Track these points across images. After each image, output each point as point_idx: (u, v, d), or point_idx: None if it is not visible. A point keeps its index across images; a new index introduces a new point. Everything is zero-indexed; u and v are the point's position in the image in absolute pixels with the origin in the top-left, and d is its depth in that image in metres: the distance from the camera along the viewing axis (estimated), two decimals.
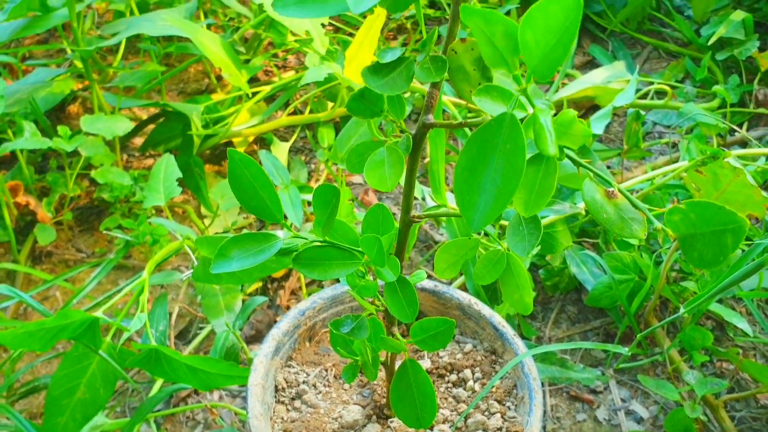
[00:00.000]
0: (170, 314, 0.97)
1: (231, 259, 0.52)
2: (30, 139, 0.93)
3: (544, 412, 0.89)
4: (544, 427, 0.87)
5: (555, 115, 0.46)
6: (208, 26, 1.21)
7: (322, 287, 1.02)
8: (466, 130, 1.10)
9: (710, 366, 0.92)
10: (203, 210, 1.13)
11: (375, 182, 0.47)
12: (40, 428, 0.81)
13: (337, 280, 0.93)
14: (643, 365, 0.90)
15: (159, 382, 0.90)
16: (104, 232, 1.09)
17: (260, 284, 1.02)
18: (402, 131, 0.50)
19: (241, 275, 0.84)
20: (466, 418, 0.70)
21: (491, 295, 0.89)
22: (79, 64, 1.23)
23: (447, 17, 1.39)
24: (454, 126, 0.49)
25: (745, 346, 0.94)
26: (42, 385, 0.92)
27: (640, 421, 0.87)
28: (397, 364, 0.64)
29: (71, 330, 0.73)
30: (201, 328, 0.98)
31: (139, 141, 1.24)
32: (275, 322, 0.99)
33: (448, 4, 1.31)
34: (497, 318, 0.76)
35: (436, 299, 0.77)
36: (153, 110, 1.27)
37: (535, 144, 0.43)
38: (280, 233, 0.54)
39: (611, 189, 0.48)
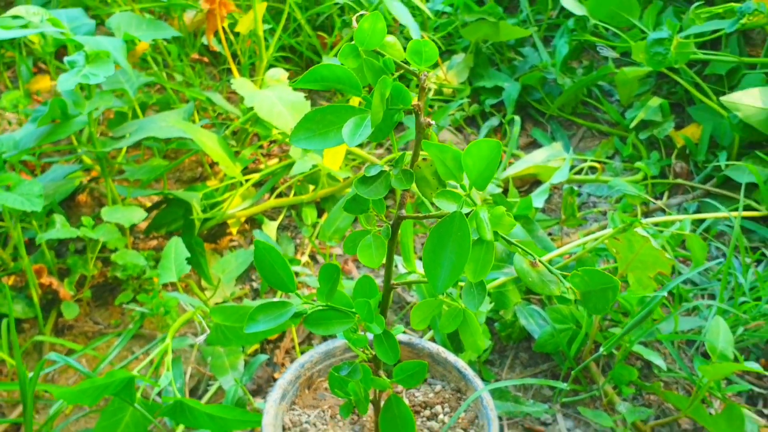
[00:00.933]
0: (184, 374, 1.13)
1: (258, 322, 0.70)
2: (61, 229, 1.11)
3: (501, 426, 1.06)
4: None
5: (504, 191, 0.65)
6: (204, 125, 1.40)
7: (312, 346, 1.19)
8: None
9: (640, 398, 1.10)
10: (203, 283, 1.30)
11: (366, 260, 0.66)
12: None
13: (329, 337, 1.10)
14: (584, 399, 1.08)
15: None
16: (120, 306, 1.25)
17: (258, 345, 1.19)
18: (382, 222, 0.69)
19: (248, 337, 1.02)
20: None
21: (455, 345, 1.07)
22: (87, 159, 1.41)
23: None
24: (420, 218, 0.68)
25: (669, 380, 1.13)
26: None
27: None
28: (382, 402, 0.81)
29: (114, 387, 0.89)
30: (210, 385, 1.14)
31: (143, 225, 1.41)
32: (273, 377, 1.16)
33: None
34: (461, 363, 0.94)
35: (411, 349, 0.95)
36: (154, 199, 1.44)
37: (477, 232, 0.62)
38: (293, 301, 0.72)
39: (534, 260, 0.67)
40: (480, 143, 0.57)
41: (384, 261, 0.68)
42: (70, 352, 1.20)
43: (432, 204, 0.65)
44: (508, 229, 0.63)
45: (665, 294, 0.94)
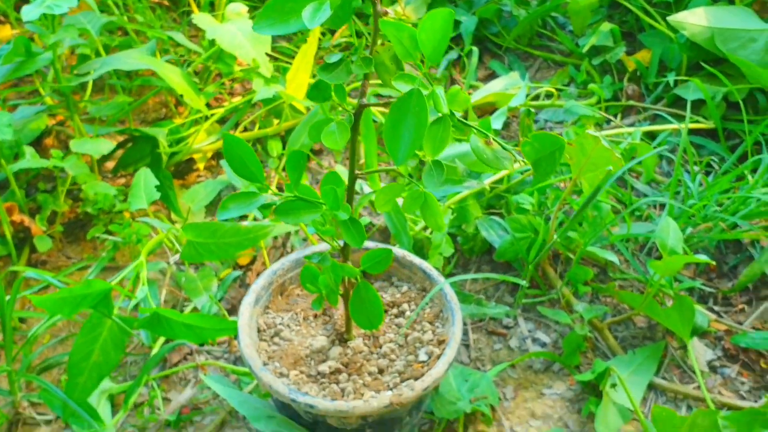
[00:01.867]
0: (159, 296, 1.16)
1: (230, 210, 0.73)
2: (31, 160, 1.13)
3: (465, 330, 1.11)
4: (469, 356, 1.09)
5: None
6: (167, 62, 1.42)
7: None
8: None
9: (596, 301, 1.16)
10: (173, 216, 1.33)
11: (330, 144, 0.70)
12: (64, 389, 0.99)
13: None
14: (543, 302, 1.14)
15: (155, 352, 1.10)
16: (93, 241, 1.28)
17: (230, 270, 1.22)
18: (345, 111, 0.73)
19: (220, 252, 1.05)
20: (406, 336, 0.92)
21: (419, 253, 1.11)
22: (50, 101, 1.43)
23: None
24: (381, 104, 0.72)
25: (623, 284, 1.18)
26: (55, 362, 1.10)
27: (544, 345, 1.11)
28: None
29: (92, 297, 0.92)
30: (185, 306, 1.17)
31: (110, 165, 1.43)
32: None
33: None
34: (425, 264, 0.99)
35: None
36: (120, 138, 1.46)
37: (434, 107, 0.66)
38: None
39: (488, 139, 0.71)
40: (433, 14, 0.61)
41: (347, 144, 0.72)
42: (44, 288, 1.23)
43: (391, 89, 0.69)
44: (463, 106, 0.67)
45: (613, 181, 0.99)
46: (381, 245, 0.98)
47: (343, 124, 0.71)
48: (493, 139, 0.71)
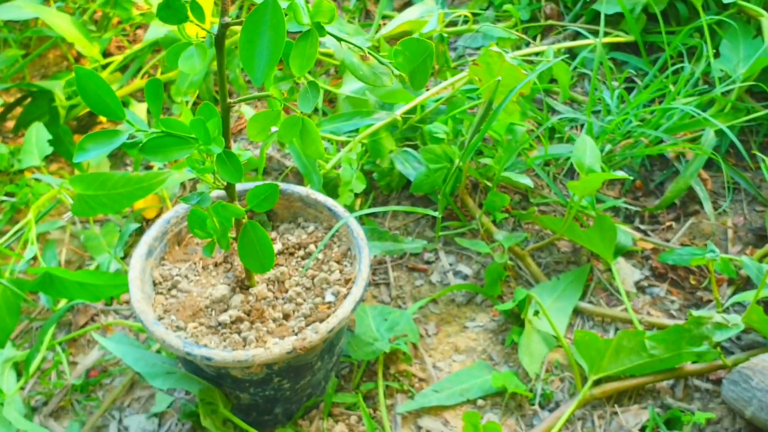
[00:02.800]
0: (58, 255, 1.09)
1: (88, 150, 0.67)
2: None
3: (385, 269, 1.07)
4: (390, 295, 1.05)
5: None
6: (59, 9, 1.33)
7: None
8: None
9: (519, 229, 1.12)
10: (76, 173, 1.26)
11: (187, 68, 0.63)
12: None
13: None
14: (464, 234, 1.09)
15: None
16: None
17: (139, 226, 1.16)
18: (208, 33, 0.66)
19: (112, 204, 0.98)
20: (312, 278, 0.87)
21: (331, 193, 1.06)
22: None
23: None
24: (240, 22, 0.65)
25: (546, 209, 1.14)
26: None
27: (465, 277, 1.06)
28: None
29: None
30: (89, 266, 1.11)
31: (10, 124, 1.35)
32: None
33: None
34: (330, 201, 0.93)
35: (281, 195, 0.93)
36: (18, 95, 1.37)
37: (295, 19, 0.60)
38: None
39: (364, 54, 0.65)
40: None
41: (204, 67, 0.66)
42: None
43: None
44: (328, 16, 0.61)
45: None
46: (283, 186, 0.93)
47: (203, 47, 0.65)
48: (370, 53, 0.65)
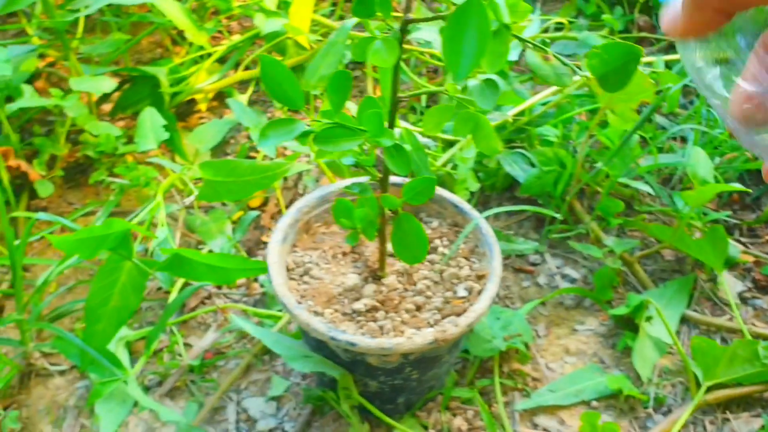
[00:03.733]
0: (175, 240, 1.11)
1: (269, 138, 0.69)
2: (30, 98, 1.06)
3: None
4: (498, 295, 1.06)
5: None
6: None
7: None
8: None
9: (623, 236, 1.13)
10: (177, 159, 1.28)
11: (378, 61, 0.65)
12: (81, 336, 0.95)
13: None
14: (571, 238, 1.11)
15: (174, 296, 1.05)
16: (95, 186, 1.22)
17: (242, 213, 1.18)
18: (389, 28, 0.68)
19: (238, 191, 1.00)
20: (441, 273, 0.89)
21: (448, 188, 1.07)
22: (37, 40, 1.35)
23: None
24: (429, 19, 0.67)
25: (650, 217, 1.16)
26: (66, 311, 1.05)
27: (573, 281, 1.08)
28: (387, 231, 0.82)
29: (112, 238, 0.87)
30: (200, 250, 1.13)
31: (107, 108, 1.37)
32: (261, 240, 1.15)
33: None
34: (457, 198, 0.95)
35: None
36: (116, 79, 1.39)
37: (495, 17, 0.61)
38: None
39: (546, 55, 0.67)
40: None
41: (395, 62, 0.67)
42: (49, 229, 1.17)
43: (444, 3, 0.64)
44: (525, 16, 0.63)
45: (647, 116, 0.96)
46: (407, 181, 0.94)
47: (391, 41, 0.66)
48: (553, 55, 0.67)
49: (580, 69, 0.67)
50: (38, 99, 1.08)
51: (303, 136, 0.71)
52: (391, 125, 0.74)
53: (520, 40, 0.66)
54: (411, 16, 0.68)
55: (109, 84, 1.16)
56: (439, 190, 0.95)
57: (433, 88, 0.71)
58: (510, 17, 0.63)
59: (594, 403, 0.95)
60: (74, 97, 1.12)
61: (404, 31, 0.68)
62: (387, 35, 0.67)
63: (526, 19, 0.63)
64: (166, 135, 1.11)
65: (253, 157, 1.27)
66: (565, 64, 0.65)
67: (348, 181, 0.97)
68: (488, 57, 0.63)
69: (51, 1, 1.17)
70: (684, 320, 1.04)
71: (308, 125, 0.71)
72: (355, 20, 0.97)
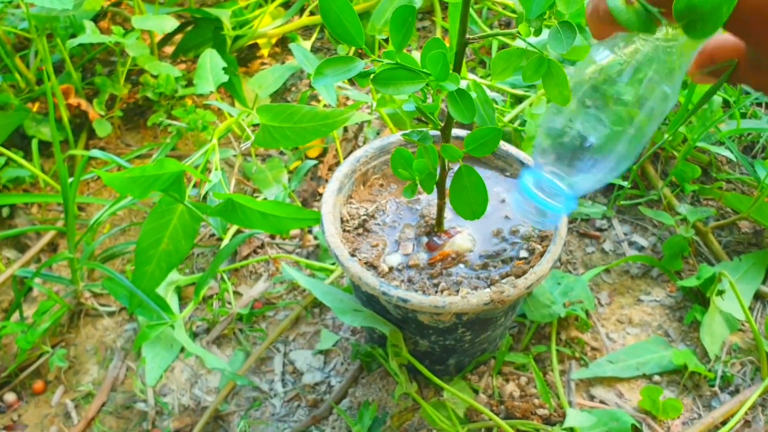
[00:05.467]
0: (230, 186, 1.09)
1: (326, 75, 0.65)
2: (92, 35, 1.05)
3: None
4: (559, 259, 1.02)
5: None
6: None
7: None
8: None
9: (696, 204, 1.07)
10: (237, 105, 1.25)
11: None
12: (131, 277, 0.94)
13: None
14: (641, 204, 1.05)
15: (225, 243, 1.03)
16: (153, 128, 1.21)
17: (299, 162, 1.15)
18: None
19: (296, 138, 0.97)
20: (501, 232, 0.84)
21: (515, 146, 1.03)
22: None
23: None
24: None
25: (727, 186, 1.09)
26: (118, 252, 1.04)
27: (641, 249, 1.02)
28: (447, 182, 0.78)
29: (164, 179, 0.85)
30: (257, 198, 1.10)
31: (168, 50, 1.35)
32: (317, 191, 1.12)
33: None
34: (523, 155, 0.90)
35: None
36: (178, 21, 1.37)
37: None
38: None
39: None
40: None
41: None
42: (104, 166, 1.17)
43: None
44: None
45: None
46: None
47: None
48: None
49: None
50: (99, 36, 1.06)
51: (362, 77, 0.67)
52: (458, 69, 0.69)
53: None
54: None
55: (171, 23, 1.13)
56: (505, 145, 0.91)
57: (506, 32, 0.66)
58: None
59: (656, 378, 0.90)
60: (135, 35, 1.10)
61: None
62: None
63: None
64: (225, 78, 1.08)
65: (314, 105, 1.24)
66: (648, 9, 0.60)
67: (408, 134, 0.92)
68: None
69: None
70: (758, 296, 0.97)
71: (368, 65, 0.67)
72: None
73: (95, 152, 0.91)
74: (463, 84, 0.67)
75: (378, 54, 1.14)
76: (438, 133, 0.75)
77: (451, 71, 0.67)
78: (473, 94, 0.68)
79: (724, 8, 0.54)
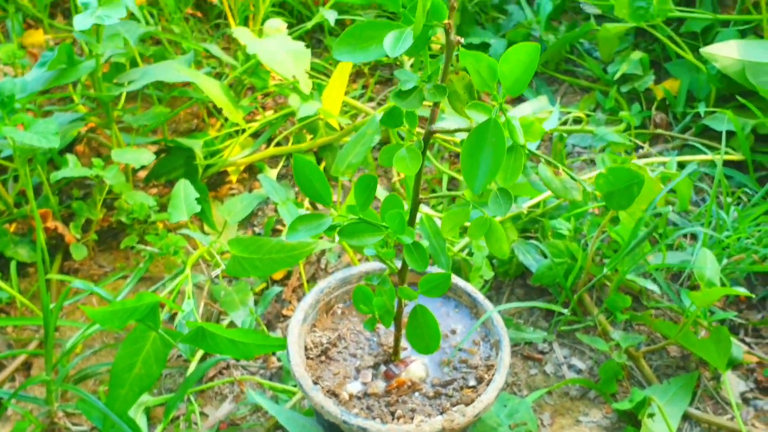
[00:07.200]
0: (197, 309, 1.16)
1: (299, 232, 0.74)
2: (74, 168, 1.13)
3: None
4: (506, 381, 1.10)
5: None
6: (207, 74, 1.43)
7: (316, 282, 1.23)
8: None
9: (630, 329, 1.17)
10: (206, 228, 1.33)
11: (403, 169, 0.70)
12: (105, 400, 0.99)
13: (333, 273, 1.14)
14: (579, 329, 1.15)
15: (193, 366, 1.10)
16: (125, 250, 1.28)
17: (264, 285, 1.23)
18: (414, 136, 0.74)
19: (264, 268, 1.06)
20: (452, 362, 0.93)
21: (458, 274, 1.12)
22: (83, 109, 1.43)
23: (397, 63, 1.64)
24: (451, 131, 0.73)
25: (657, 313, 1.19)
26: (91, 373, 1.10)
27: (579, 372, 1.11)
28: (404, 319, 0.86)
29: (142, 310, 0.92)
30: (221, 321, 1.18)
31: (142, 174, 1.43)
32: (281, 314, 1.20)
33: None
34: (470, 288, 0.99)
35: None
36: (153, 148, 1.46)
37: (510, 137, 0.67)
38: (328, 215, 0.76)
39: (557, 169, 0.72)
40: (519, 48, 0.62)
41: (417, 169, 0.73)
42: (77, 293, 1.23)
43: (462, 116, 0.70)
44: (537, 137, 0.68)
45: (656, 223, 1.00)
46: (426, 269, 0.99)
47: (414, 150, 0.72)
48: (563, 169, 0.72)
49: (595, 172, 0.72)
50: (81, 169, 1.14)
51: (329, 230, 0.76)
52: (412, 223, 0.79)
53: (533, 154, 0.71)
54: (434, 127, 0.73)
55: (147, 156, 1.22)
56: (455, 279, 1.00)
57: (452, 193, 0.76)
58: (524, 137, 0.68)
59: None
60: (114, 168, 1.19)
61: (427, 140, 0.74)
62: (412, 143, 0.73)
63: (537, 139, 0.68)
64: (198, 208, 1.16)
65: (279, 230, 1.33)
66: (573, 179, 0.71)
67: (368, 266, 1.02)
68: (503, 172, 0.68)
69: (99, 76, 1.24)
70: (686, 417, 1.06)
71: (334, 220, 0.76)
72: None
73: (77, 283, 0.98)
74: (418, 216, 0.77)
75: (340, 181, 1.24)
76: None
77: (406, 225, 0.76)
78: (425, 243, 0.78)
79: (634, 190, 0.65)
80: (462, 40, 0.69)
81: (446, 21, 0.68)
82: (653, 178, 1.02)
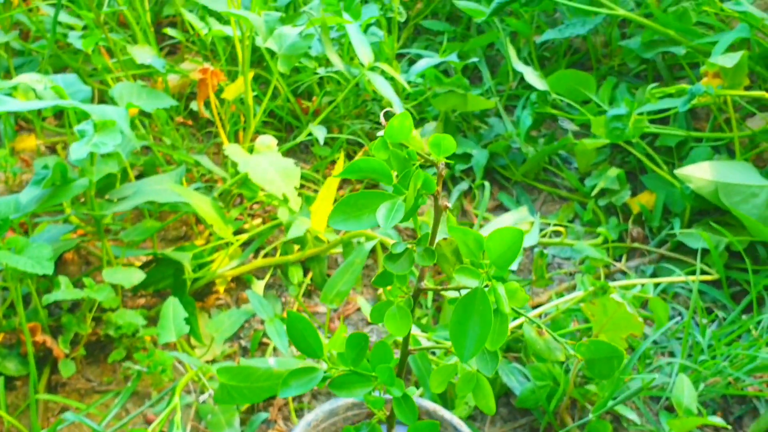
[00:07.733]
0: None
1: (291, 387, 0.77)
2: (66, 291, 1.15)
3: None
4: None
5: None
6: (197, 189, 1.46)
7: (303, 404, 1.25)
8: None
9: None
10: (192, 341, 1.35)
11: (394, 330, 0.74)
12: None
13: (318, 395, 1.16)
14: None
15: None
16: (113, 364, 1.29)
17: (247, 404, 1.24)
18: (405, 293, 0.77)
19: (252, 396, 1.08)
20: None
21: (445, 403, 1.14)
22: (75, 220, 1.46)
23: None
24: (440, 290, 0.76)
25: None
26: None
27: None
28: None
29: None
30: None
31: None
32: None
33: None
34: (456, 419, 1.01)
35: None
36: (143, 257, 1.49)
37: (496, 304, 0.70)
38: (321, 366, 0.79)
39: (541, 330, 0.76)
40: (503, 231, 0.66)
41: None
42: (63, 409, 1.24)
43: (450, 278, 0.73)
44: (522, 303, 0.72)
45: (636, 357, 1.04)
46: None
47: (404, 309, 0.75)
48: (546, 330, 0.75)
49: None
50: (73, 291, 1.17)
51: (321, 381, 0.79)
52: (401, 375, 0.82)
53: (518, 314, 0.75)
54: (424, 284, 0.77)
55: (138, 276, 1.25)
56: (441, 410, 1.02)
57: (438, 345, 0.79)
58: (509, 303, 0.72)
59: None
60: (106, 288, 1.21)
61: (416, 297, 0.77)
62: (401, 300, 0.76)
63: (522, 305, 0.72)
64: (186, 329, 1.19)
65: (266, 344, 1.35)
66: (557, 339, 0.74)
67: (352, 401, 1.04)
68: (490, 337, 0.72)
69: (93, 196, 1.27)
70: None
71: (327, 371, 0.79)
72: (372, 243, 1.07)
73: (67, 415, 0.99)
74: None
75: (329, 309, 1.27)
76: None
77: (396, 378, 0.79)
78: (415, 392, 0.81)
79: (614, 363, 0.69)
80: (449, 205, 0.74)
81: (436, 190, 0.72)
82: (630, 312, 1.06)
